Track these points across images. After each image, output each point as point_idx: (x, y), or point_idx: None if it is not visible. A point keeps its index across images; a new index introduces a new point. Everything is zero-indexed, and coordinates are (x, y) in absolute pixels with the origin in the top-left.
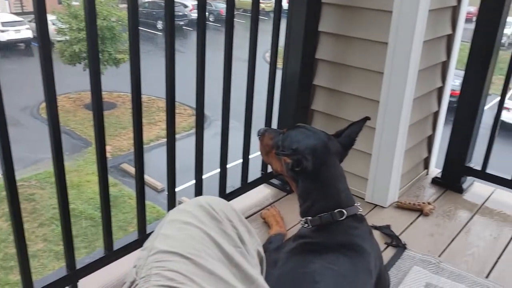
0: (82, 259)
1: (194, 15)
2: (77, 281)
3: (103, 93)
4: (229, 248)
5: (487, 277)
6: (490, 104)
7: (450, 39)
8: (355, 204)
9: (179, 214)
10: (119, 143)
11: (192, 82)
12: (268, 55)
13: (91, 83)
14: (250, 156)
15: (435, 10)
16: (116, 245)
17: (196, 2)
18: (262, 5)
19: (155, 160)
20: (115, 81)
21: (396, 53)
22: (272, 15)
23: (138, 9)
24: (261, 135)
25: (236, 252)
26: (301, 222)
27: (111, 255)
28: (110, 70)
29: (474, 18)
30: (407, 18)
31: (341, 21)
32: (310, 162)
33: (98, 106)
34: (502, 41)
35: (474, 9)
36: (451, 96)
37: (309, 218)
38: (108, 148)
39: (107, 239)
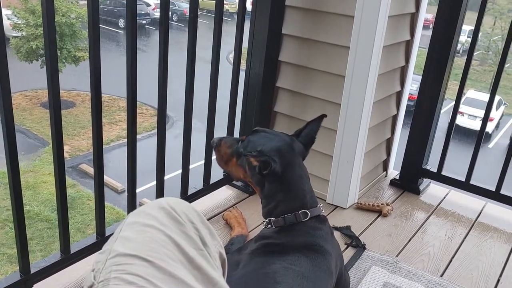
0: (37, 262)
1: (157, 14)
2: (32, 286)
3: (61, 91)
4: (191, 251)
5: (441, 275)
6: (445, 109)
7: (408, 45)
8: (319, 205)
9: (140, 216)
10: (78, 143)
11: (154, 82)
12: (231, 56)
13: (49, 81)
14: (212, 157)
15: (395, 16)
16: (73, 248)
17: (159, 1)
18: (226, 6)
19: (115, 161)
20: (74, 80)
21: (357, 57)
22: (236, 16)
23: (98, 6)
24: (217, 145)
25: (197, 255)
26: (264, 223)
27: (68, 258)
28: (69, 68)
29: (431, 25)
30: (368, 23)
31: (304, 24)
32: (278, 163)
33: (55, 105)
34: (457, 48)
35: (431, 16)
36: (409, 100)
37: (272, 219)
38: (66, 148)
39: (64, 241)
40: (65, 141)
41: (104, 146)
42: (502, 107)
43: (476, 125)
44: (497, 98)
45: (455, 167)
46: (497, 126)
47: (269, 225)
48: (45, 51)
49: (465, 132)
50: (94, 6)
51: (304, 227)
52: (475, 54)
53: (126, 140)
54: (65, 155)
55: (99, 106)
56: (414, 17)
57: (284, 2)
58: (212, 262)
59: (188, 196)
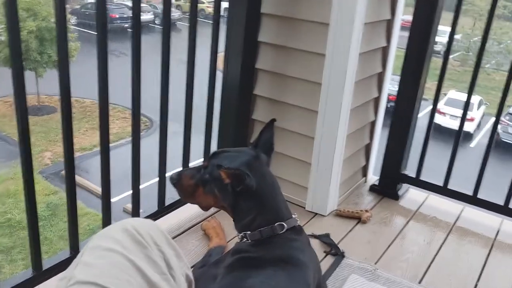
0: (6, 281)
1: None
2: None
3: (42, 96)
4: (154, 275)
5: (420, 282)
6: (427, 110)
7: (385, 51)
8: (293, 216)
9: (102, 239)
10: (60, 148)
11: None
12: None
13: (15, 88)
14: (190, 164)
15: (371, 23)
16: (46, 265)
17: (142, 5)
18: (209, 9)
19: (98, 166)
20: (56, 84)
21: (333, 65)
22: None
23: (65, 10)
24: (177, 180)
25: (161, 279)
26: (238, 236)
27: (40, 275)
28: (50, 73)
29: (410, 27)
30: (344, 30)
31: (280, 32)
32: (252, 178)
33: (22, 113)
34: (438, 49)
35: (410, 17)
36: (389, 101)
37: (248, 232)
38: (48, 154)
39: (35, 258)
40: (47, 147)
41: (87, 152)
42: (482, 107)
43: (457, 125)
44: (478, 98)
45: (439, 167)
46: (478, 126)
47: (245, 239)
48: (10, 59)
49: (447, 132)
50: (61, 13)
51: (281, 240)
52: (456, 55)
53: (112, 144)
54: (47, 161)
55: (69, 115)
56: (390, 23)
57: (259, 10)
58: (176, 287)
59: (165, 207)
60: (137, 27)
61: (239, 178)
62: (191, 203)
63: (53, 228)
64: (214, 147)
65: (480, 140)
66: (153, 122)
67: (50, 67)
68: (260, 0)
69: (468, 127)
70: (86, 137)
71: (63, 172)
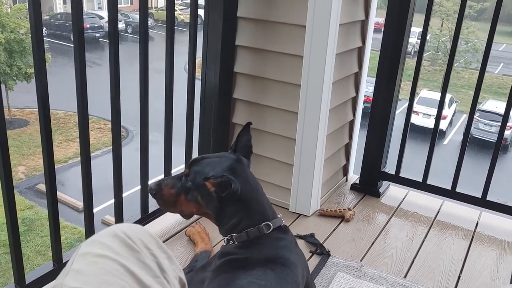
0: None
1: None
2: None
3: (14, 110)
4: (148, 279)
5: (405, 277)
6: (400, 109)
7: (360, 51)
8: (278, 216)
9: (92, 246)
10: (34, 162)
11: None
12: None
13: None
14: (172, 171)
15: (345, 24)
16: (29, 278)
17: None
18: (181, 17)
19: (74, 179)
20: (27, 97)
21: (311, 66)
22: None
23: (41, 20)
24: (156, 190)
25: (154, 283)
26: (224, 240)
27: None
28: (21, 86)
29: (383, 29)
30: (320, 32)
31: (258, 35)
32: (236, 182)
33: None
34: (408, 49)
35: (382, 20)
36: (365, 102)
37: (234, 235)
38: (21, 168)
39: (18, 271)
40: (20, 161)
41: (62, 164)
42: (454, 105)
43: (430, 123)
44: (448, 96)
45: (415, 165)
46: (450, 123)
47: (231, 242)
48: None
49: (421, 131)
50: (37, 22)
51: (268, 239)
52: (425, 55)
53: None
54: (21, 175)
55: (48, 127)
56: (364, 24)
57: (236, 14)
58: None
59: (149, 214)
60: (115, 40)
61: (225, 185)
62: (173, 212)
63: (29, 243)
64: (195, 152)
65: (452, 137)
66: (129, 131)
67: (21, 79)
68: (236, 4)
69: (441, 124)
70: (61, 150)
71: (38, 186)
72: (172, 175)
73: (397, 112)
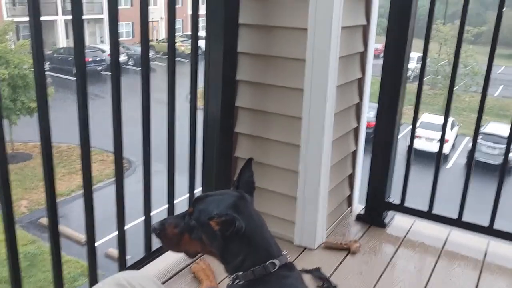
0: None
1: None
2: None
3: (17, 144)
4: None
5: None
6: (402, 134)
7: (360, 82)
8: (283, 252)
9: None
10: (37, 196)
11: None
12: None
13: None
14: (175, 201)
15: (345, 57)
16: None
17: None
18: (182, 48)
19: (77, 212)
20: (30, 131)
21: (312, 98)
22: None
23: (43, 55)
24: (160, 230)
25: None
26: (230, 278)
27: None
28: (24, 120)
29: (381, 55)
30: (320, 65)
31: (258, 70)
32: (241, 220)
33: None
34: (408, 74)
35: (380, 46)
36: (367, 127)
37: (240, 273)
38: (24, 202)
39: None
40: (23, 195)
41: (65, 197)
42: (455, 128)
43: (432, 147)
44: (450, 119)
45: (418, 189)
46: (453, 146)
47: (237, 280)
48: None
49: (423, 155)
50: (40, 57)
51: (274, 278)
52: (425, 79)
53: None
54: (24, 210)
55: (50, 160)
56: (363, 55)
57: (236, 49)
58: None
59: (152, 252)
60: (117, 73)
61: (230, 223)
62: (177, 251)
63: (31, 279)
64: (198, 183)
65: (456, 160)
66: (131, 163)
67: (24, 114)
68: (236, 40)
69: (444, 148)
70: (63, 182)
71: (40, 220)
72: (175, 204)
73: (398, 136)
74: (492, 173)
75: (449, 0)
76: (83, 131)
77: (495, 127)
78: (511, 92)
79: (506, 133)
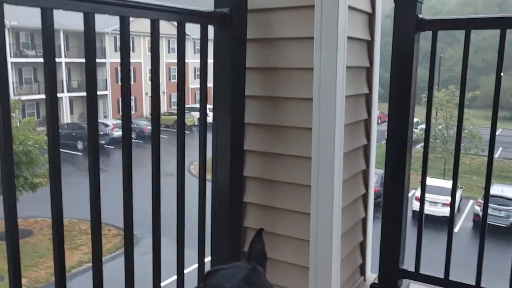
0: None
1: (116, 133)
2: None
3: (18, 220)
4: None
5: None
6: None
7: (366, 148)
8: None
9: None
10: (36, 273)
11: (116, 201)
12: (192, 167)
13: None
14: (185, 271)
15: (350, 124)
16: None
17: (117, 121)
18: (187, 120)
19: None
20: (32, 206)
21: (320, 166)
22: (193, 128)
23: (59, 135)
24: None
25: None
26: None
27: None
28: (26, 195)
29: (379, 121)
30: (326, 133)
31: (265, 139)
32: None
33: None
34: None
35: (378, 113)
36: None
37: None
38: (23, 281)
39: None
40: (22, 273)
41: (66, 274)
42: (459, 191)
43: (437, 210)
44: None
45: (425, 254)
46: (458, 210)
47: None
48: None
49: (428, 218)
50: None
51: None
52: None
53: (89, 264)
54: None
55: (62, 240)
56: (367, 122)
57: (243, 120)
58: None
59: None
60: (128, 147)
61: None
62: None
63: None
64: (207, 251)
65: (462, 223)
66: (134, 236)
67: (26, 190)
68: (243, 111)
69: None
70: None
71: None
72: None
73: None
74: (501, 235)
75: (441, 67)
76: (94, 211)
77: (499, 189)
78: (511, 153)
79: (510, 195)
